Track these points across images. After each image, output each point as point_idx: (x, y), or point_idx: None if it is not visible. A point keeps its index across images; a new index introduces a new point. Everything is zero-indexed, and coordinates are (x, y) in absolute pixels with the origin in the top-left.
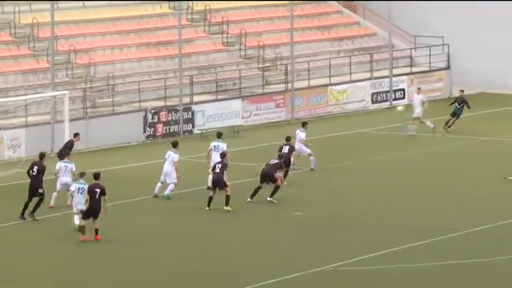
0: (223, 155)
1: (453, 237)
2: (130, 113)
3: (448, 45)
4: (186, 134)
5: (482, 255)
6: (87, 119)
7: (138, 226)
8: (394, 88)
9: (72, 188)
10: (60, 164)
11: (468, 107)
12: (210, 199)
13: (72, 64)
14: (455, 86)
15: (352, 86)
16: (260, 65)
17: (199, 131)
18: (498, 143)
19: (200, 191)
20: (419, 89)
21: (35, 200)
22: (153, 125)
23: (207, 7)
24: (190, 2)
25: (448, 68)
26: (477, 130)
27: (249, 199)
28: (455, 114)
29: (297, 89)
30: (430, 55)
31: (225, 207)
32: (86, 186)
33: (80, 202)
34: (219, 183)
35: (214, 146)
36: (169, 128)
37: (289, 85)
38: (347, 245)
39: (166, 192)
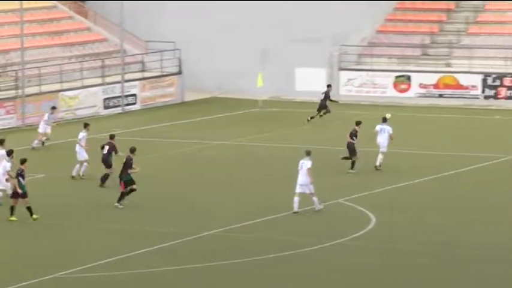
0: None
1: (187, 241)
2: None
3: (179, 50)
4: None
5: (212, 259)
6: None
7: None
8: (126, 93)
9: None
10: None
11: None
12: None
13: None
14: (187, 90)
15: (84, 92)
16: None
17: None
18: (233, 147)
19: None
20: (53, 108)
21: None
22: None
23: None
24: None
25: (180, 73)
26: (210, 134)
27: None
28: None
29: (27, 95)
30: (161, 60)
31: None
32: None
33: None
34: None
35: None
36: None
37: (20, 91)
38: (82, 252)
39: None
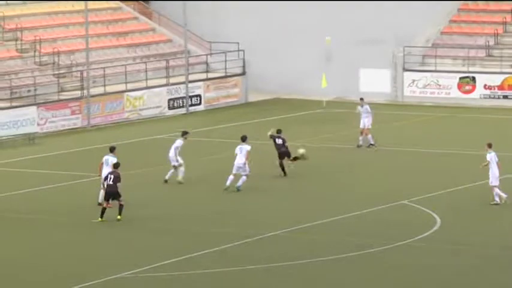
0: (116, 166)
1: (248, 242)
2: None
3: (243, 51)
4: None
5: (278, 260)
6: None
7: None
8: (190, 94)
9: None
10: None
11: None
12: (103, 210)
13: None
14: (251, 91)
15: (149, 92)
16: (55, 72)
17: None
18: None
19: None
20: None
21: None
22: None
23: (1, 14)
24: None
25: (243, 73)
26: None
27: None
28: None
29: (92, 96)
30: (225, 61)
31: (118, 216)
32: None
33: None
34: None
35: (105, 159)
36: None
37: (85, 92)
38: (146, 252)
39: None
